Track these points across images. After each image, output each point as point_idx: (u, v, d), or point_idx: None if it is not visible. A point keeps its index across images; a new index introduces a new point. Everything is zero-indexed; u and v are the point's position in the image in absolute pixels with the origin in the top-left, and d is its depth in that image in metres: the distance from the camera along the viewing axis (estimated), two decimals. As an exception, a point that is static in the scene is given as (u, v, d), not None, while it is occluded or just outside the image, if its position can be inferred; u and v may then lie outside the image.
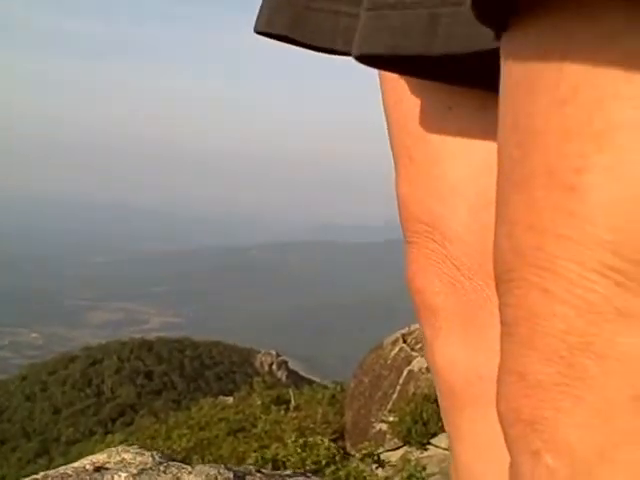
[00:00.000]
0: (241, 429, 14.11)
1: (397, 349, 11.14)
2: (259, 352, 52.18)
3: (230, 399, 19.77)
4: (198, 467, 1.47)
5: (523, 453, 0.44)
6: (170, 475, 1.41)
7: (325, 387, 17.51)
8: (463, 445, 0.77)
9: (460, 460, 0.78)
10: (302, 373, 50.85)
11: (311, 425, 11.60)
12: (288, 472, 1.65)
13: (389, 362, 11.07)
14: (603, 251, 0.40)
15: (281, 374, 44.73)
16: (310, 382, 31.37)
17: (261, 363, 48.84)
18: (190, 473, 1.44)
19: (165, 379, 49.75)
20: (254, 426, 13.83)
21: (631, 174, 0.38)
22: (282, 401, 15.56)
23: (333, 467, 7.87)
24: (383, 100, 0.82)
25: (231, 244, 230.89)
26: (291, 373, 46.67)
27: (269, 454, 8.85)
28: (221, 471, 1.46)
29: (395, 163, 0.80)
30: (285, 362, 49.11)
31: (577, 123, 0.39)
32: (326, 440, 8.87)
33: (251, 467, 1.58)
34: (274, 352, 50.70)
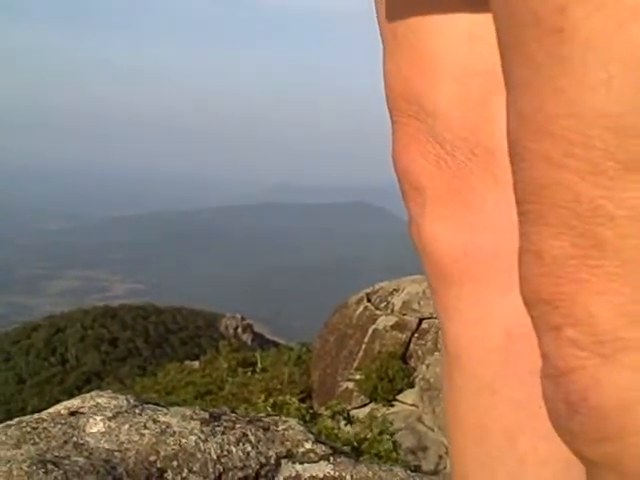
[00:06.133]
0: (208, 392, 14.13)
1: (362, 308, 11.20)
2: (224, 316, 52.18)
3: (196, 363, 19.73)
4: (173, 409, 1.47)
5: (546, 332, 0.42)
6: (146, 417, 1.42)
7: (290, 349, 17.58)
8: (451, 322, 0.78)
9: (449, 336, 0.78)
10: (267, 336, 51.03)
11: (278, 386, 11.66)
12: (262, 414, 1.67)
13: (354, 321, 11.14)
14: (599, 97, 0.37)
15: (246, 337, 44.83)
16: (276, 344, 31.50)
17: (226, 327, 48.85)
18: (166, 414, 1.45)
19: (130, 345, 49.58)
20: (221, 389, 13.87)
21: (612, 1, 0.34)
22: (248, 363, 15.61)
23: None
24: None
25: (184, 208, 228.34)
26: (256, 336, 46.80)
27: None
28: (197, 412, 1.47)
29: (382, 42, 0.77)
30: (250, 325, 49.21)
31: None
32: (295, 400, 8.94)
33: (226, 409, 1.59)
34: (239, 316, 50.73)
